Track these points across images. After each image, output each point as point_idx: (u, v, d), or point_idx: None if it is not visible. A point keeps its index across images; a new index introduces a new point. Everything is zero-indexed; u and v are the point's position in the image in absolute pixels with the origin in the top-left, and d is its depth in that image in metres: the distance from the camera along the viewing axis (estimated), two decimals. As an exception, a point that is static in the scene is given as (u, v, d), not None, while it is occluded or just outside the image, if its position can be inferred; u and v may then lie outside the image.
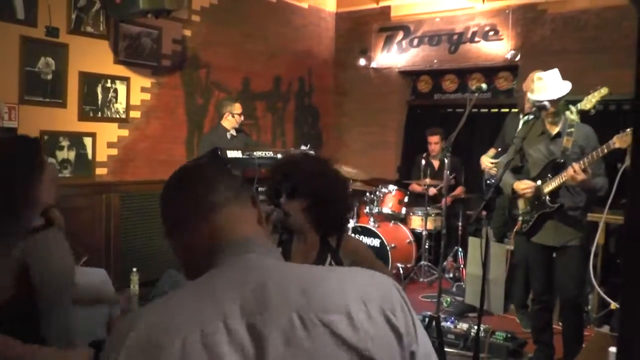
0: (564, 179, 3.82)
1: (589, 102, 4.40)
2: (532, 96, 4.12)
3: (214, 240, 1.20)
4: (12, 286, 2.20)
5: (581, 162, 3.71)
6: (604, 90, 4.33)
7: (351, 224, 6.59)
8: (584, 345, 3.90)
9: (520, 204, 4.22)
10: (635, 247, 0.69)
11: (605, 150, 3.59)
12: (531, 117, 5.05)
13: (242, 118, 6.24)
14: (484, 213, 3.63)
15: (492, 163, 5.49)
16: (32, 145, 2.35)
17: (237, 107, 6.24)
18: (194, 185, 1.29)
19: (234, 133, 6.24)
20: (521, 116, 5.38)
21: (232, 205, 1.26)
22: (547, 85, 3.96)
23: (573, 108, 4.36)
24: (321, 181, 2.48)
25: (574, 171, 3.69)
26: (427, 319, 3.97)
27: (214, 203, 1.24)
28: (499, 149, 5.57)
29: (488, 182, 5.58)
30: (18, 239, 2.23)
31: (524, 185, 4.09)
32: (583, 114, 4.48)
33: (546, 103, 3.87)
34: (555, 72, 4.01)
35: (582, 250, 3.94)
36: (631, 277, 0.67)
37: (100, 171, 5.90)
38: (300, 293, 1.04)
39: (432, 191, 6.83)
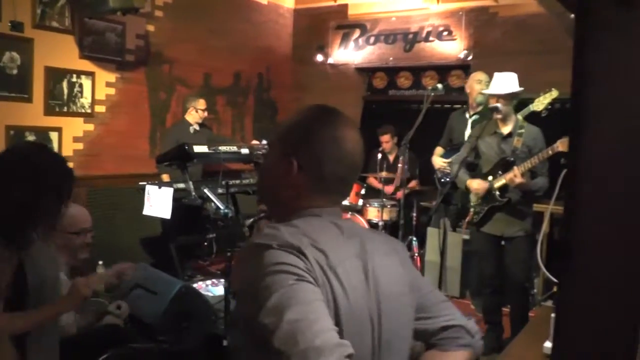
0: (506, 180, 4.19)
1: (540, 103, 4.73)
2: (487, 91, 4.44)
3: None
4: (7, 288, 2.35)
5: (523, 165, 4.09)
6: (554, 93, 4.66)
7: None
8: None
9: (473, 197, 4.56)
10: (572, 232, 0.89)
11: (550, 153, 3.97)
12: (478, 116, 5.39)
13: (206, 114, 6.43)
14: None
15: (444, 162, 5.78)
16: (72, 175, 2.51)
17: (201, 103, 6.42)
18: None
19: (197, 128, 6.41)
20: (467, 115, 5.69)
21: None
22: (502, 82, 4.31)
23: (519, 116, 4.68)
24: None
25: (514, 175, 4.07)
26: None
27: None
28: (448, 148, 5.86)
29: (442, 180, 5.81)
30: (21, 248, 2.38)
31: (477, 185, 4.43)
32: (535, 115, 4.81)
33: (498, 105, 4.20)
34: (511, 74, 4.37)
35: (528, 240, 4.31)
36: (567, 257, 0.87)
37: (67, 165, 5.93)
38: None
39: (389, 189, 7.11)
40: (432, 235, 4.14)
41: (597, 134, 0.77)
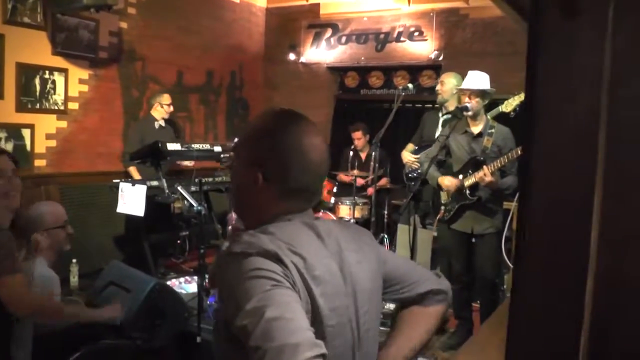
0: (476, 179, 4.30)
1: (509, 105, 4.84)
2: (463, 86, 4.54)
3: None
4: None
5: (492, 164, 4.20)
6: (523, 95, 4.79)
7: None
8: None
9: (443, 195, 4.66)
10: (527, 230, 0.96)
11: (520, 152, 4.07)
12: (449, 116, 5.49)
13: (172, 109, 6.43)
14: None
15: (413, 158, 5.87)
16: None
17: (166, 98, 6.42)
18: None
19: (163, 124, 6.41)
20: (440, 114, 5.79)
21: None
22: (475, 79, 4.42)
23: (489, 116, 4.78)
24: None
25: (484, 174, 4.18)
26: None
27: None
28: (418, 146, 5.94)
29: (410, 175, 5.90)
30: None
31: (448, 182, 4.54)
32: (504, 116, 4.92)
33: (468, 105, 4.31)
34: (484, 73, 4.48)
35: (497, 237, 4.42)
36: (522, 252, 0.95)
37: (39, 163, 5.92)
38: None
39: (360, 181, 7.18)
40: (403, 231, 4.24)
41: (547, 134, 0.85)
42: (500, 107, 4.91)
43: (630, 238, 0.85)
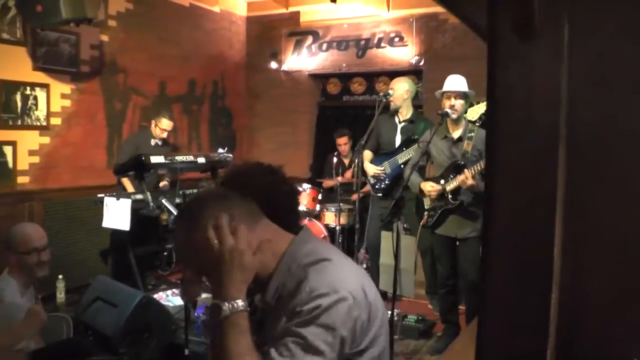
0: (458, 183, 4.35)
1: (475, 112, 4.89)
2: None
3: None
4: None
5: (473, 168, 4.25)
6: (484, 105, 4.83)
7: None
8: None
9: (426, 200, 4.71)
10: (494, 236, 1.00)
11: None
12: (407, 124, 5.48)
13: (164, 135, 6.45)
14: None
15: (378, 169, 5.74)
16: None
17: (163, 123, 6.42)
18: None
19: (159, 142, 6.42)
20: (397, 121, 5.71)
21: None
22: (456, 82, 4.48)
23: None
24: (273, 194, 2.50)
25: (465, 177, 4.24)
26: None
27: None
28: (375, 153, 5.89)
29: (376, 186, 5.85)
30: None
31: (430, 187, 4.58)
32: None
33: (448, 111, 4.37)
34: (462, 76, 4.54)
35: (480, 240, 4.47)
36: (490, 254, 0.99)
37: (22, 179, 5.87)
38: None
39: (343, 179, 7.18)
40: (386, 238, 4.27)
41: (507, 149, 0.88)
42: (464, 115, 4.97)
43: (591, 254, 0.89)
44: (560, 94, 0.88)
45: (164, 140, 6.50)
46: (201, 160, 5.54)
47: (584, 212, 0.89)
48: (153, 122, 6.41)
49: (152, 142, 6.31)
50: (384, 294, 5.64)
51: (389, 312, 4.63)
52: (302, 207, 7.23)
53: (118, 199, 5.02)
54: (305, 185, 7.33)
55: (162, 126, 6.41)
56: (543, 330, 0.90)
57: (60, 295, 5.57)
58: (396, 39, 7.84)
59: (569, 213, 0.88)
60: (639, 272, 0.87)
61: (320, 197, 7.37)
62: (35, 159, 6.00)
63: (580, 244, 0.89)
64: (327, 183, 7.51)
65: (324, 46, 8.46)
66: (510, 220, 0.91)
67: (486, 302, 0.98)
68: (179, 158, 5.38)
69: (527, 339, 0.93)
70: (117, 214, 5.00)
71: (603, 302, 0.88)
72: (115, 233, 5.34)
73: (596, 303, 0.88)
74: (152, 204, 5.21)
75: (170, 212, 5.16)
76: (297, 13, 8.66)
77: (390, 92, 5.58)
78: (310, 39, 8.58)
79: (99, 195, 5.20)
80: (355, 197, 6.18)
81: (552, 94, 0.88)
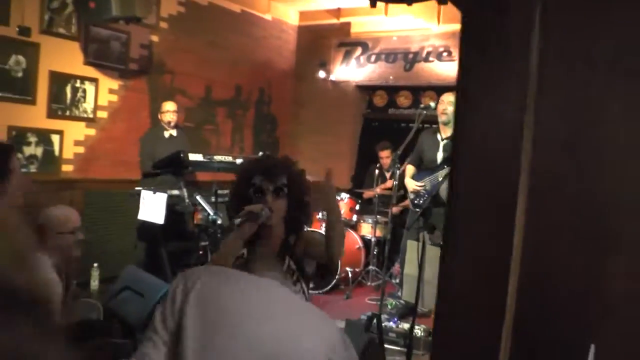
0: None
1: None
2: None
3: None
4: None
5: None
6: None
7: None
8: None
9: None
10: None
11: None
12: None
13: (172, 117, 6.27)
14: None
15: (418, 185, 5.68)
16: (3, 152, 2.60)
17: (163, 105, 6.32)
18: None
19: (174, 133, 6.33)
20: (440, 138, 5.70)
21: None
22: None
23: None
24: (303, 184, 2.65)
25: None
26: (369, 317, 4.34)
27: None
28: (418, 169, 5.84)
29: (416, 202, 5.72)
30: None
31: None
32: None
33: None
34: None
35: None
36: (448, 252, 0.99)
37: (66, 168, 6.08)
38: None
39: (383, 187, 7.14)
40: (411, 247, 4.24)
41: (465, 162, 0.89)
42: None
43: (550, 241, 0.88)
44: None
45: (176, 126, 6.38)
46: (239, 161, 5.61)
47: (544, 198, 0.88)
48: (158, 114, 6.36)
49: (166, 134, 6.26)
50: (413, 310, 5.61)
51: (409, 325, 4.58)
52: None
53: (155, 192, 5.12)
54: (344, 195, 7.33)
55: (162, 109, 6.28)
56: (500, 312, 0.89)
57: (94, 283, 5.70)
58: (444, 54, 7.80)
59: (531, 198, 0.87)
60: (598, 261, 0.86)
61: (358, 207, 7.36)
62: (80, 149, 6.20)
63: (540, 227, 0.88)
64: (367, 194, 7.50)
65: (372, 58, 8.48)
66: (472, 205, 0.91)
67: (444, 284, 0.98)
68: (217, 158, 5.46)
69: (485, 321, 0.92)
70: (152, 208, 5.10)
71: (561, 287, 0.87)
72: (146, 227, 5.40)
73: (554, 287, 0.87)
74: (187, 200, 5.30)
75: (204, 210, 5.24)
76: (348, 24, 8.71)
77: (441, 105, 5.59)
78: (359, 50, 8.61)
79: (137, 189, 5.31)
80: (394, 209, 6.14)
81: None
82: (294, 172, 2.65)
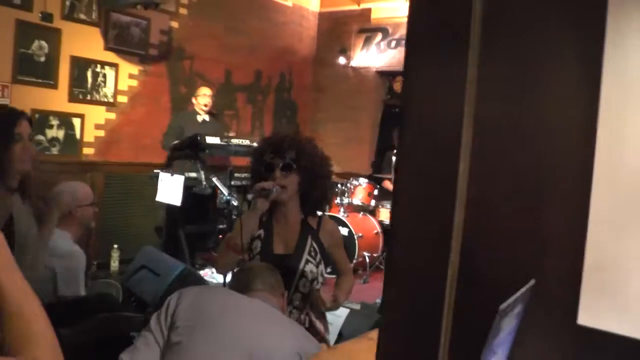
0: None
1: None
2: None
3: None
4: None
5: None
6: None
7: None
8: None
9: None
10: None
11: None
12: None
13: (207, 100, 6.37)
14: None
15: None
16: (11, 117, 2.65)
17: (199, 90, 6.43)
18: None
19: (207, 118, 6.41)
20: None
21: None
22: None
23: None
24: (315, 158, 2.65)
25: None
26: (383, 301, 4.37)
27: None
28: None
29: None
30: None
31: None
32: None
33: None
34: None
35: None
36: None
37: (87, 151, 6.19)
38: None
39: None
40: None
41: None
42: None
43: (492, 184, 0.91)
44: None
45: (210, 113, 6.46)
46: (256, 145, 5.63)
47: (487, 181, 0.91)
48: (193, 98, 6.45)
49: (199, 118, 6.33)
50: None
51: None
52: (357, 201, 7.25)
53: (172, 174, 5.19)
54: (362, 180, 7.34)
55: (201, 92, 6.38)
56: (446, 241, 0.92)
57: (114, 264, 5.81)
58: (464, 39, 7.74)
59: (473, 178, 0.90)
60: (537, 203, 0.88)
61: (376, 192, 7.38)
62: (101, 133, 6.31)
63: (482, 176, 0.90)
64: (386, 184, 7.49)
65: (393, 43, 8.46)
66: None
67: (396, 214, 1.02)
68: (234, 141, 5.50)
69: (430, 249, 0.95)
70: (170, 189, 5.17)
71: (504, 229, 0.89)
72: (170, 209, 5.50)
73: (498, 230, 0.90)
74: (204, 183, 5.35)
75: (222, 193, 5.28)
76: (369, 10, 8.68)
77: None
78: (379, 36, 8.59)
79: (155, 171, 5.38)
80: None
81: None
82: (304, 146, 2.64)
